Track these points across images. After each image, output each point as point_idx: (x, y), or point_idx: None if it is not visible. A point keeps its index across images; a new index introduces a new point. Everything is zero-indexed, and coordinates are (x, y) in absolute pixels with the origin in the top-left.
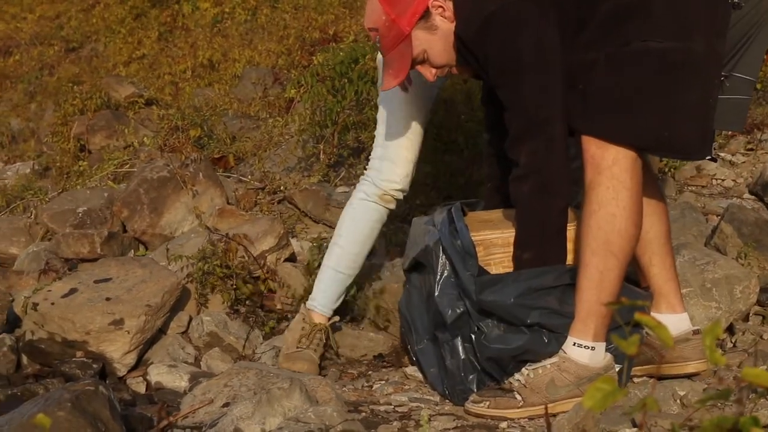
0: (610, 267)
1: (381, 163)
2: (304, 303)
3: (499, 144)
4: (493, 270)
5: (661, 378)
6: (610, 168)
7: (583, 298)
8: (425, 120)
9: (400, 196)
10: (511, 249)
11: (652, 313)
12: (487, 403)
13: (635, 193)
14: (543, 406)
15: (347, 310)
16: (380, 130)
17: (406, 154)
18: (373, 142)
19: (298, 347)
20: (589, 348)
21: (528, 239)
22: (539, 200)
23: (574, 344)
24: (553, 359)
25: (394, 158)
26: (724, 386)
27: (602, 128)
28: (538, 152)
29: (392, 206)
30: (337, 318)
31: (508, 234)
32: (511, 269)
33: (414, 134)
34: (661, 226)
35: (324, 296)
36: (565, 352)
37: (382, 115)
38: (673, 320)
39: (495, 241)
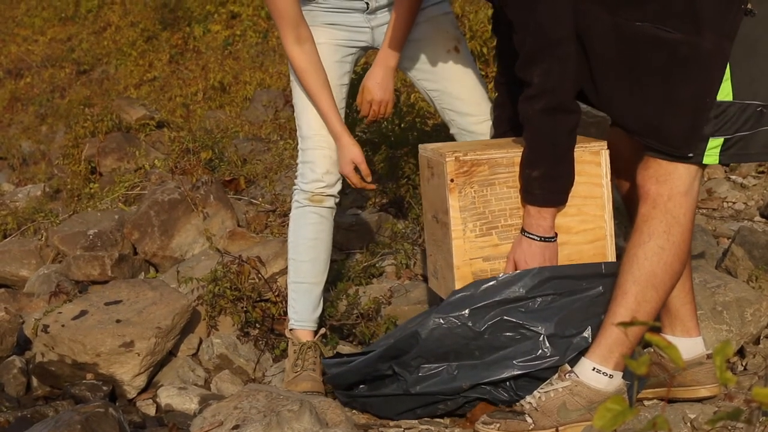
0: (648, 299)
1: (302, 167)
2: (288, 329)
3: (508, 72)
4: (497, 189)
5: (672, 401)
6: (665, 203)
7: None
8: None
9: (332, 191)
10: (517, 169)
11: (667, 336)
12: (498, 425)
13: (687, 231)
14: (553, 430)
15: (357, 333)
16: (297, 130)
17: (321, 151)
18: (381, 164)
19: (295, 372)
20: (607, 375)
21: (539, 157)
22: (552, 118)
23: (594, 369)
24: (566, 383)
25: (311, 159)
26: (734, 406)
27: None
28: (552, 72)
29: (329, 204)
30: (323, 330)
31: (514, 154)
32: (515, 189)
33: (324, 127)
34: None
35: (297, 312)
36: (577, 376)
37: (295, 113)
38: (687, 344)
39: (500, 161)
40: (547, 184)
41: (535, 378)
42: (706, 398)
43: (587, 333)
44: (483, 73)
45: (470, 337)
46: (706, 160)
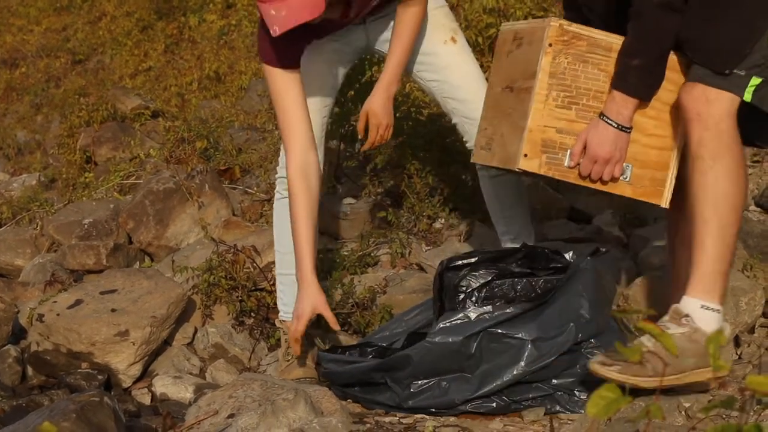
0: (732, 222)
1: (283, 155)
2: (279, 319)
3: None
4: (588, 69)
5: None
6: (717, 124)
7: (708, 255)
8: (325, 104)
9: None
10: (612, 55)
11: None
12: (618, 367)
13: (741, 150)
14: (673, 377)
15: (352, 322)
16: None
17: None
18: (378, 154)
19: (287, 360)
20: (717, 311)
21: (642, 48)
22: (665, 14)
23: (702, 307)
24: (683, 328)
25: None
26: (729, 394)
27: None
28: None
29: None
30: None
31: (613, 40)
32: (605, 73)
33: (309, 121)
34: None
35: (285, 303)
36: (692, 319)
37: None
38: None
39: (599, 42)
40: (643, 75)
41: (527, 382)
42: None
43: (570, 330)
44: (479, 62)
45: (462, 359)
46: (744, 97)
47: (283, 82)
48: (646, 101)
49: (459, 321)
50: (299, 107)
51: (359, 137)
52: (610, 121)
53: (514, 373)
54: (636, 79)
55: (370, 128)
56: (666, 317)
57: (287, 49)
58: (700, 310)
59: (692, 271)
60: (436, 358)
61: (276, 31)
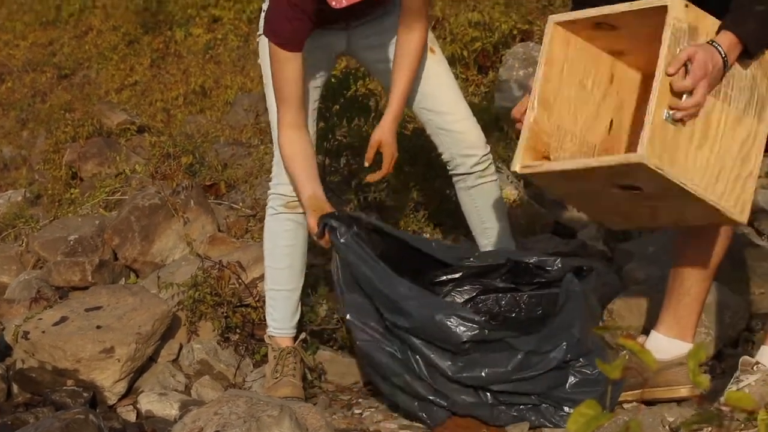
0: None
1: (278, 170)
2: (267, 335)
3: None
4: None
5: (652, 402)
6: None
7: None
8: (313, 113)
9: None
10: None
11: (659, 334)
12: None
13: None
14: None
15: (338, 338)
16: (273, 134)
17: None
18: (362, 168)
19: (275, 378)
20: None
21: None
22: None
23: None
24: (756, 375)
25: None
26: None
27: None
28: None
29: (302, 210)
30: (303, 335)
31: None
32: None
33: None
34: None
35: (275, 319)
36: (767, 366)
37: (270, 115)
38: (676, 346)
39: None
40: (765, 22)
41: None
42: (685, 398)
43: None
44: (464, 76)
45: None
46: None
47: (290, 63)
48: (753, 54)
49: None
50: (299, 88)
51: (366, 165)
52: (720, 49)
53: (500, 372)
54: (755, 25)
55: (384, 158)
56: (737, 373)
57: (298, 33)
58: None
59: None
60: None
61: (342, 2)
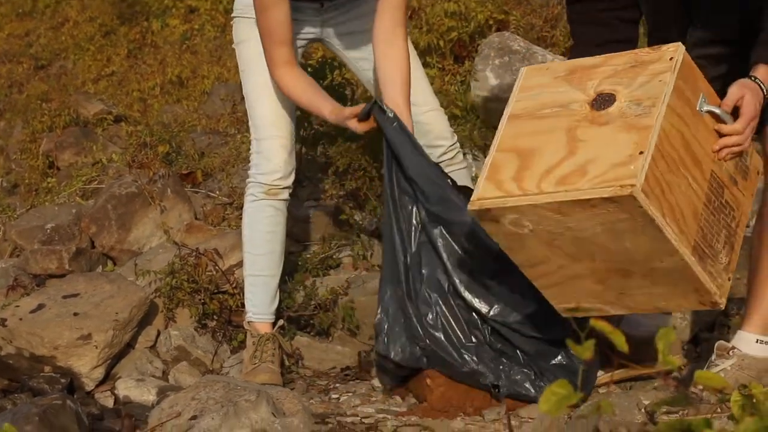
0: None
1: (257, 158)
2: (246, 321)
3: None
4: None
5: (633, 379)
6: None
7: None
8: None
9: (287, 183)
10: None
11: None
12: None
13: None
14: None
15: (315, 324)
16: (250, 121)
17: (278, 142)
18: (339, 156)
19: (254, 364)
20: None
21: None
22: None
23: (757, 341)
24: (731, 360)
25: (266, 149)
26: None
27: None
28: None
29: (283, 196)
30: (281, 322)
31: None
32: None
33: (281, 116)
34: None
35: (255, 305)
36: (742, 351)
37: (247, 105)
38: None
39: None
40: None
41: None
42: (666, 372)
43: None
44: (440, 65)
45: None
46: None
47: (278, 5)
48: None
49: None
50: (289, 30)
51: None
52: (763, 86)
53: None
54: None
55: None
56: (713, 357)
57: None
58: (755, 344)
59: (752, 305)
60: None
61: None
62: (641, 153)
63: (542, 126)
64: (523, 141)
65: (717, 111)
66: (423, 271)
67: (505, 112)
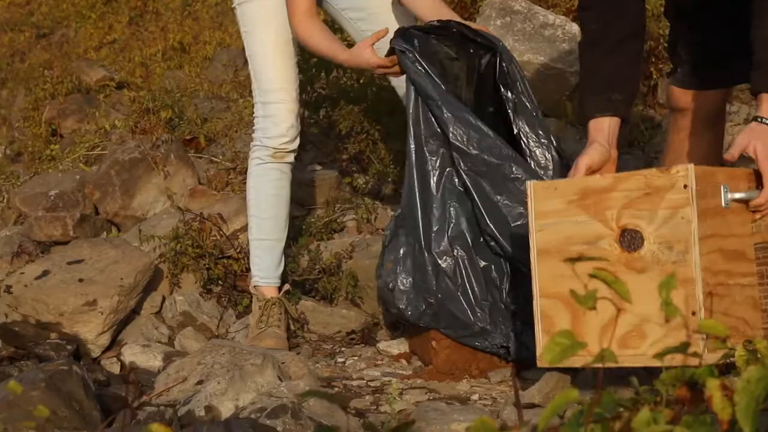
0: None
1: (264, 122)
2: (252, 285)
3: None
4: None
5: None
6: None
7: None
8: (294, 59)
9: (293, 146)
10: None
11: None
12: None
13: None
14: None
15: (320, 288)
16: (254, 85)
17: (286, 106)
18: (342, 120)
19: (260, 328)
20: None
21: None
22: None
23: None
24: None
25: (274, 114)
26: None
27: None
28: None
29: (289, 159)
30: (287, 286)
31: None
32: None
33: (287, 81)
34: None
35: (261, 269)
36: None
37: (252, 67)
38: None
39: None
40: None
41: None
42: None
43: None
44: None
45: None
46: None
47: None
48: None
49: None
50: None
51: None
52: (765, 121)
53: None
54: None
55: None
56: None
57: None
58: None
59: None
60: None
61: None
62: (693, 314)
63: (578, 269)
64: (564, 286)
65: (741, 196)
66: (446, 219)
67: (531, 242)
